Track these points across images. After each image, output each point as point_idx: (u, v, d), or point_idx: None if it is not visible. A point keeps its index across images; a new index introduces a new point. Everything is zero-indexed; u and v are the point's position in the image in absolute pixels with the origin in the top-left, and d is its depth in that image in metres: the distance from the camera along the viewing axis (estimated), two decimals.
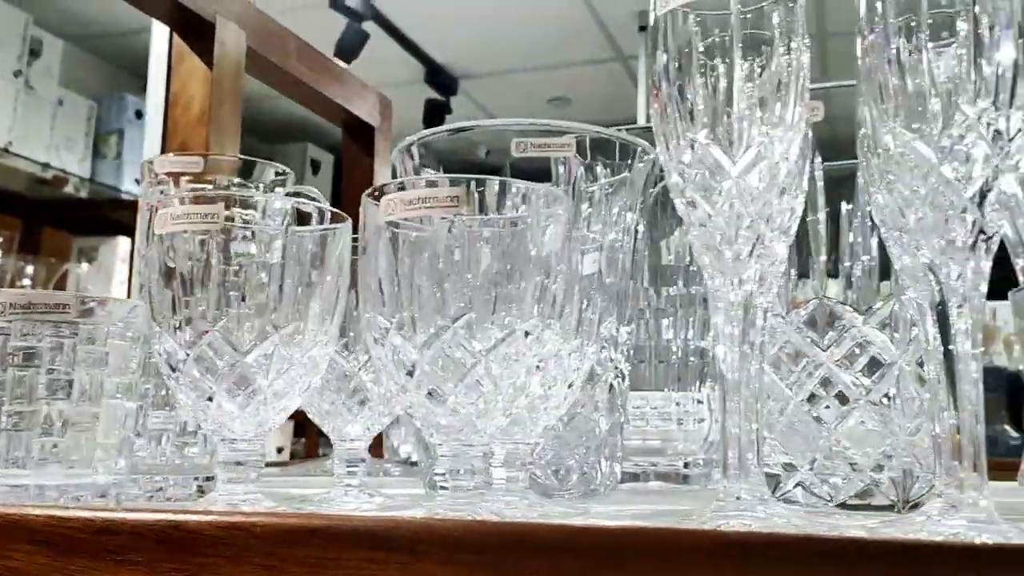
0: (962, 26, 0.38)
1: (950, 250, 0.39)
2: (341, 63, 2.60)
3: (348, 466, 0.57)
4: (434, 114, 3.12)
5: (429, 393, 0.44)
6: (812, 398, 0.59)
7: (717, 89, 0.42)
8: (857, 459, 0.57)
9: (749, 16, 0.42)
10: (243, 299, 0.48)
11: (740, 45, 0.42)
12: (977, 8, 0.38)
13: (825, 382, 0.58)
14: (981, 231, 0.38)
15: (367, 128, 1.22)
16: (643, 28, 2.76)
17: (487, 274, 0.45)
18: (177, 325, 0.47)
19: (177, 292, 0.47)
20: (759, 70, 0.42)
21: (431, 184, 0.44)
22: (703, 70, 0.42)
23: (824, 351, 0.58)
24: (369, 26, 2.70)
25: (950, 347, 0.39)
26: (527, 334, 0.45)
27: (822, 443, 0.57)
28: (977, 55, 0.38)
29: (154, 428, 0.56)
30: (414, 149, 0.68)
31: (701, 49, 0.42)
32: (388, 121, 1.25)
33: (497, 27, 2.88)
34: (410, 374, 0.44)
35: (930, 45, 0.38)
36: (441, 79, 3.13)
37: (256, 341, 0.47)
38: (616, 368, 0.69)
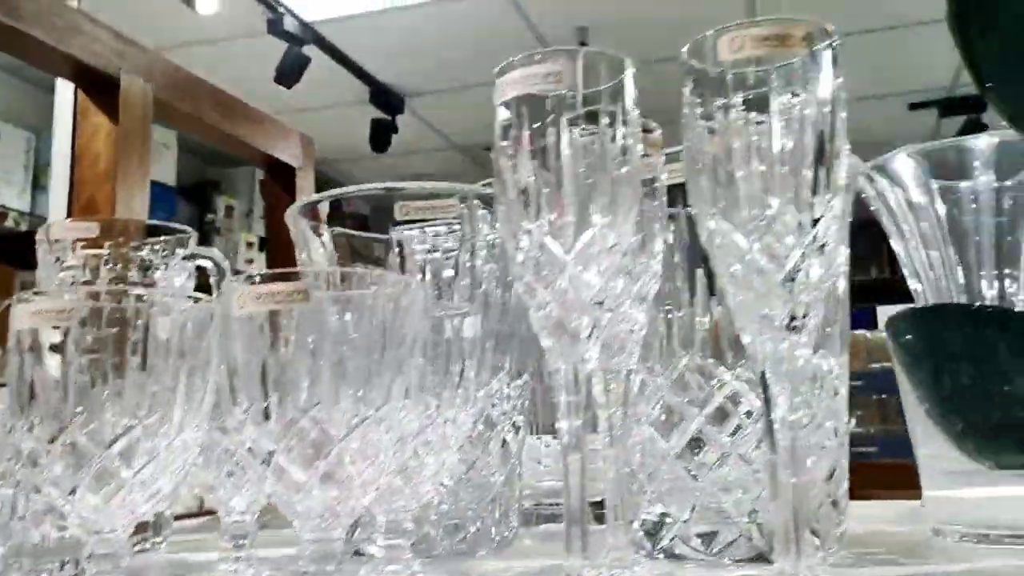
0: (767, 120, 0.40)
1: (767, 328, 0.41)
2: (282, 87, 2.60)
3: (235, 540, 0.58)
4: (380, 133, 3.13)
5: (284, 482, 0.45)
6: (693, 448, 0.61)
7: (549, 178, 0.43)
8: (730, 510, 0.58)
9: (579, 97, 0.43)
10: (105, 385, 0.48)
11: (569, 131, 0.43)
12: (780, 102, 0.40)
13: (698, 436, 0.59)
14: (792, 315, 0.40)
15: (288, 169, 1.22)
16: (583, 44, 2.78)
17: (338, 358, 0.45)
18: (36, 421, 0.47)
19: (39, 384, 0.48)
20: (591, 155, 0.44)
21: (279, 277, 0.45)
22: (535, 155, 0.43)
23: (697, 407, 0.59)
24: (310, 50, 2.70)
25: (771, 416, 0.41)
26: (380, 418, 0.46)
27: (698, 495, 0.59)
28: (784, 147, 0.39)
29: (35, 510, 0.57)
30: (302, 214, 0.69)
31: (527, 134, 0.43)
32: (310, 159, 1.25)
33: (440, 44, 2.89)
34: (266, 463, 0.45)
35: (737, 145, 0.40)
36: (387, 98, 3.14)
37: (120, 432, 0.48)
38: (511, 420, 0.70)
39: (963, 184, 0.91)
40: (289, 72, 2.58)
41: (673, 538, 0.60)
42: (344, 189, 0.67)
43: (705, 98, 0.41)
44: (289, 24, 2.53)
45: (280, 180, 1.22)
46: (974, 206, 0.91)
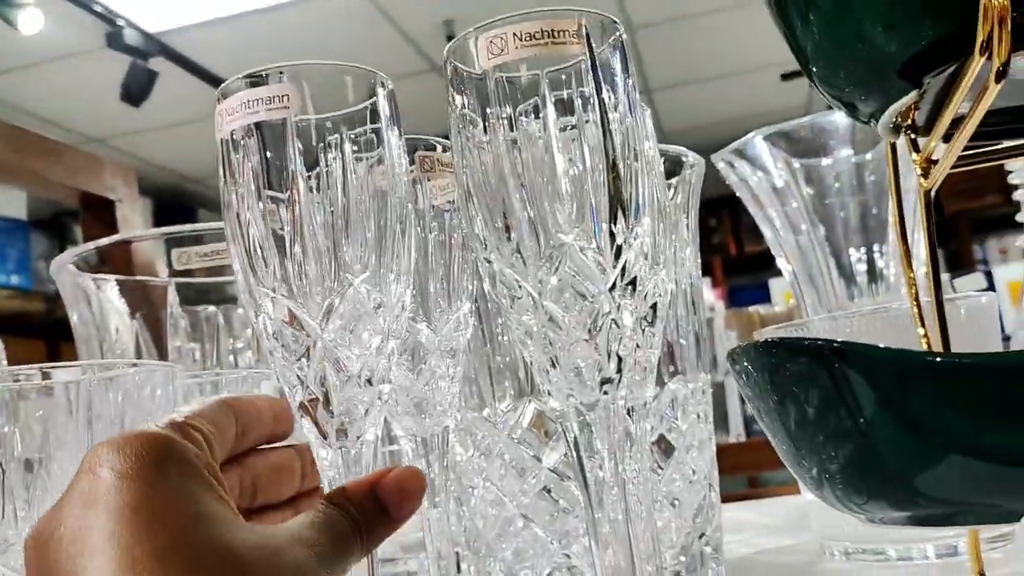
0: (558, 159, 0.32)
1: (574, 388, 0.33)
2: (129, 106, 2.42)
3: None
4: None
5: None
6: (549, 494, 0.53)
7: (284, 227, 0.34)
8: (579, 566, 0.51)
9: (312, 122, 0.34)
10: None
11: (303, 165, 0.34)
12: (556, 112, 0.32)
13: (546, 490, 0.52)
14: (602, 375, 0.32)
15: (107, 203, 1.09)
16: (451, 37, 2.69)
17: None
18: None
19: None
20: (337, 192, 0.35)
21: None
22: (262, 198, 0.34)
23: (540, 460, 0.51)
24: (158, 63, 2.52)
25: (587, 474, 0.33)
26: None
27: (552, 555, 0.51)
28: (567, 168, 0.31)
29: None
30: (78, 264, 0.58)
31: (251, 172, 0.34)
32: (132, 189, 1.12)
33: (301, 51, 2.75)
34: None
35: (508, 168, 0.31)
36: None
37: None
38: None
39: (824, 162, 0.87)
40: (137, 89, 2.40)
41: None
42: (114, 237, 0.56)
43: (472, 110, 0.32)
44: (131, 37, 2.35)
45: (100, 216, 1.09)
46: (837, 184, 0.87)
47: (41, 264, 3.01)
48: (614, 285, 0.32)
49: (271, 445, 0.35)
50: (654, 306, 0.35)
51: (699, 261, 0.59)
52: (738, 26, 2.89)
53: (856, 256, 0.87)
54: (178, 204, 3.43)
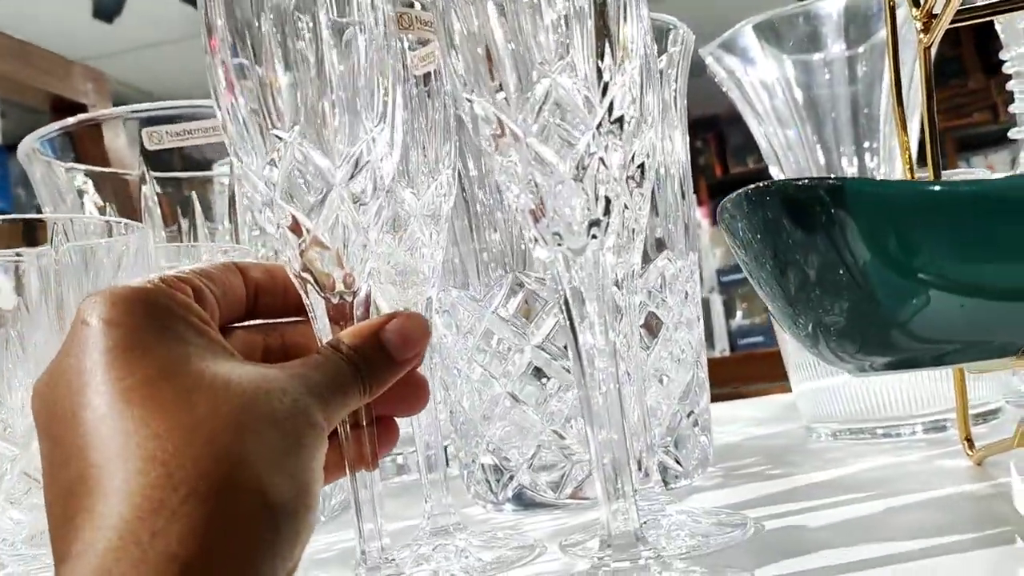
0: None
1: (562, 234, 0.32)
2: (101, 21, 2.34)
3: None
4: None
5: None
6: (536, 376, 0.52)
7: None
8: (574, 446, 0.51)
9: None
10: None
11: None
12: None
13: (534, 368, 0.51)
14: (591, 216, 0.31)
15: (78, 107, 1.06)
16: None
17: None
18: None
19: None
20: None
21: None
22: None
23: (526, 336, 0.51)
24: None
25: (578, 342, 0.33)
26: None
27: (539, 434, 0.51)
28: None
29: None
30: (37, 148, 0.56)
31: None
32: (104, 94, 1.09)
33: None
34: None
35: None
36: None
37: None
38: None
39: (815, 56, 0.84)
40: (109, 4, 2.32)
41: (518, 485, 0.52)
42: (80, 116, 0.54)
43: None
44: None
45: None
46: (828, 78, 0.85)
47: (20, 190, 2.95)
48: (601, 123, 0.31)
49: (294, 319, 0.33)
50: (642, 166, 0.34)
51: (688, 147, 0.58)
52: None
53: (847, 156, 0.86)
54: None
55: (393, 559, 0.32)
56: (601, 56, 0.31)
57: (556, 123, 0.30)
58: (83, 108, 1.07)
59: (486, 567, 0.39)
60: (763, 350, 2.73)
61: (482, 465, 0.54)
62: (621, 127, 0.31)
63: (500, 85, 0.30)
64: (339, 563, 0.47)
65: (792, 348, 0.66)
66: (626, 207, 0.33)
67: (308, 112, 0.30)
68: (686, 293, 0.55)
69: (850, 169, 0.87)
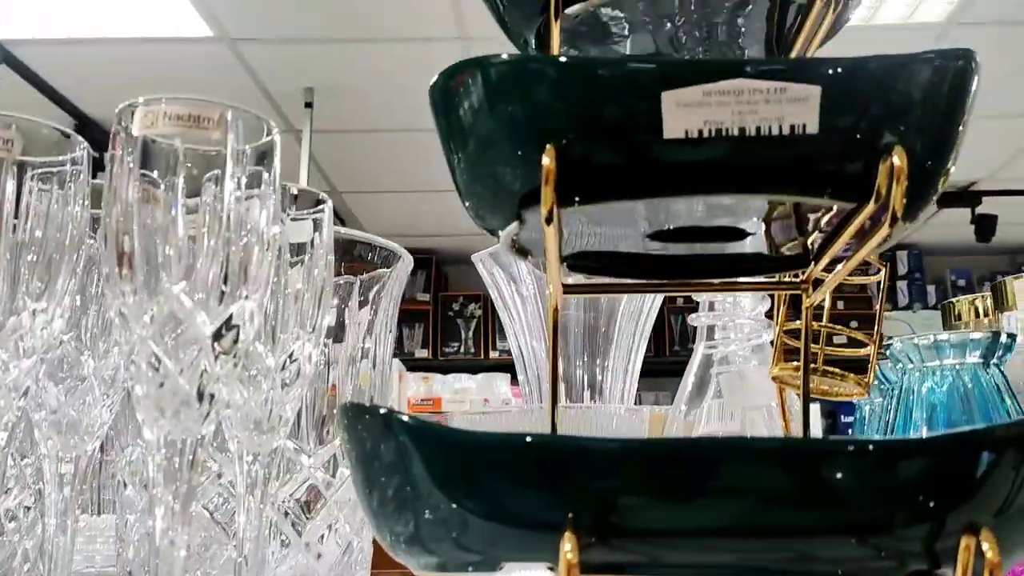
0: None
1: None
2: None
3: None
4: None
5: None
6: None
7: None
8: None
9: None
10: None
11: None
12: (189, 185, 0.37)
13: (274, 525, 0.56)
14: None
15: None
16: (308, 104, 2.75)
17: None
18: None
19: None
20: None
21: None
22: None
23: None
24: (2, 70, 2.45)
25: None
26: None
27: None
28: (192, 236, 0.37)
29: None
30: None
31: None
32: None
33: (156, 86, 2.73)
34: None
35: (136, 226, 0.37)
36: (93, 134, 2.91)
37: None
38: None
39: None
40: None
41: None
42: None
43: (119, 163, 0.38)
44: None
45: None
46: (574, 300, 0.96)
47: None
48: (218, 334, 0.38)
49: None
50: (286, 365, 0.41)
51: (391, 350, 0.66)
52: None
53: (582, 369, 0.97)
54: None
55: None
56: (225, 281, 0.38)
57: (174, 327, 0.37)
58: None
59: None
60: None
61: None
62: (236, 341, 0.38)
63: (134, 288, 0.37)
64: None
65: None
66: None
67: None
68: None
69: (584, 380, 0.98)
